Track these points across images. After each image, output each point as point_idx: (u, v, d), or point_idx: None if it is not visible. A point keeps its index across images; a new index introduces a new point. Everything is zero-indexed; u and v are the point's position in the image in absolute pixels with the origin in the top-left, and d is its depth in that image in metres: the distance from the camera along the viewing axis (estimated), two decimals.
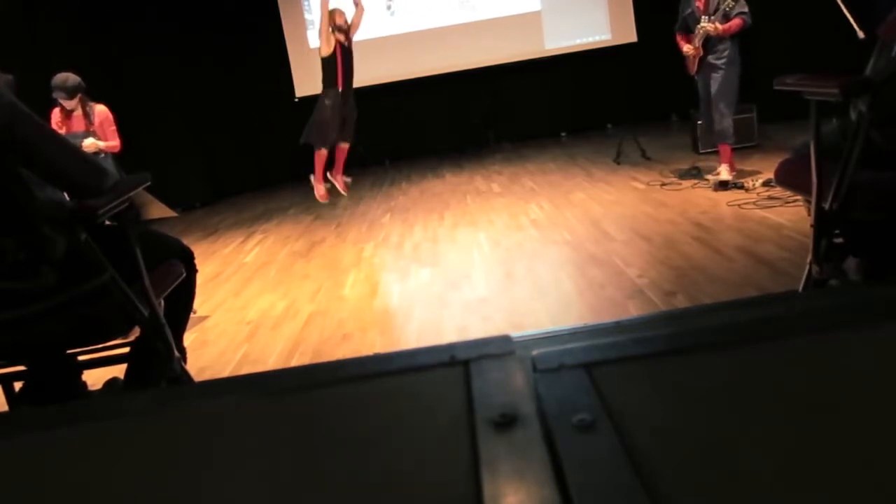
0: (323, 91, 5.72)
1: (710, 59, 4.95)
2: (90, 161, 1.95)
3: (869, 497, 0.41)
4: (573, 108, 9.27)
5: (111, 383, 2.31)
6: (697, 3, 4.92)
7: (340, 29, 5.57)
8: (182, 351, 2.20)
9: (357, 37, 9.35)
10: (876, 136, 1.89)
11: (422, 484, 0.46)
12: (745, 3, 4.78)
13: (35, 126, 1.73)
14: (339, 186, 5.94)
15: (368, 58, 9.05)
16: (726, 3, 4.73)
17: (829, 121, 2.13)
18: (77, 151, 1.96)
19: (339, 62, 5.61)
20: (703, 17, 4.87)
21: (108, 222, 1.92)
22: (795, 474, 0.43)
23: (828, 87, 1.87)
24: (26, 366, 2.00)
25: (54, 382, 2.01)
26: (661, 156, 6.58)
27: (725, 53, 4.90)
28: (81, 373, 2.09)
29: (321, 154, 5.71)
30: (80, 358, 2.08)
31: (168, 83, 7.93)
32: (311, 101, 9.35)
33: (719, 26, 4.77)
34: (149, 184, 2.07)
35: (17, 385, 2.08)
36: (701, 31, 4.88)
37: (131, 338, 2.04)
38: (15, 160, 1.72)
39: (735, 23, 4.77)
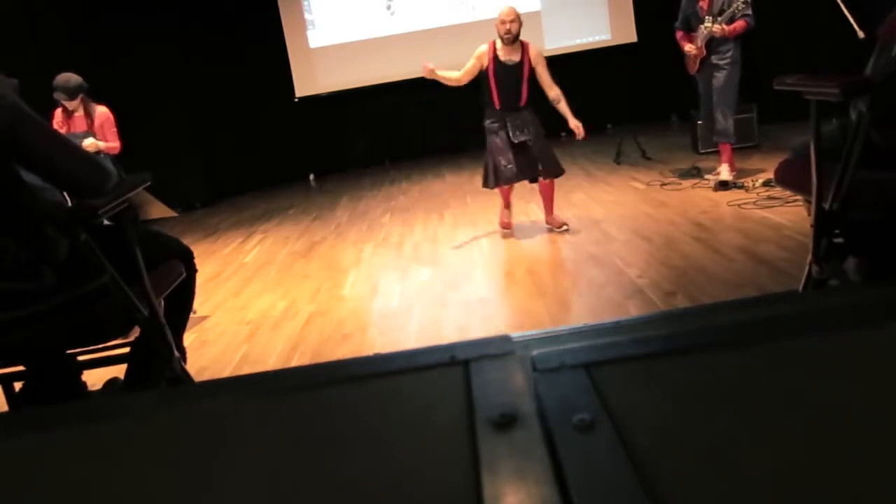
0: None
1: (713, 59, 4.95)
2: (92, 161, 1.95)
3: (869, 497, 0.41)
4: (573, 108, 9.25)
5: (111, 383, 2.31)
6: (701, 4, 4.92)
7: (507, 33, 4.23)
8: (182, 351, 2.20)
9: (357, 37, 9.44)
10: (876, 136, 1.89)
11: (422, 484, 0.46)
12: (749, 5, 4.78)
13: (37, 127, 1.74)
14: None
15: (368, 58, 9.07)
16: (736, 4, 4.72)
17: (829, 121, 2.13)
18: (78, 151, 1.97)
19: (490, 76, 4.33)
20: (706, 17, 4.87)
21: (107, 222, 1.92)
22: (795, 474, 0.43)
23: (828, 87, 1.87)
24: (26, 366, 2.00)
25: (54, 382, 2.01)
26: (661, 156, 6.58)
27: (729, 54, 4.90)
28: (81, 373, 2.09)
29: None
30: (80, 358, 2.09)
31: (168, 83, 7.93)
32: (311, 100, 9.46)
33: (725, 27, 4.77)
34: (149, 184, 2.07)
35: (17, 385, 2.08)
36: (705, 32, 4.88)
37: (131, 338, 2.04)
38: (17, 161, 1.72)
39: (739, 24, 4.77)
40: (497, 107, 4.33)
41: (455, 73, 4.41)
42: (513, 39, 4.22)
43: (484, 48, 4.33)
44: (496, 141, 4.34)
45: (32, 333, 1.80)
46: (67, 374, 2.04)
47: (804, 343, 0.57)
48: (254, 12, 8.76)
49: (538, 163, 4.38)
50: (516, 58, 4.28)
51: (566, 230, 4.54)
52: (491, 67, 4.28)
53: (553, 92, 4.36)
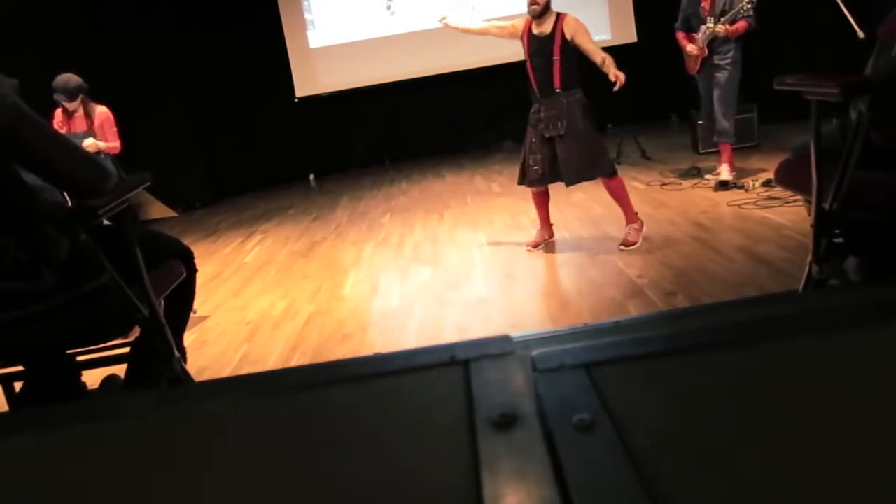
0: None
1: (715, 59, 4.96)
2: (92, 161, 1.95)
3: (869, 497, 0.41)
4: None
5: (109, 380, 2.30)
6: (703, 4, 4.92)
7: (533, 3, 3.81)
8: (182, 351, 2.20)
9: (357, 37, 9.42)
10: (876, 136, 1.89)
11: (422, 484, 0.46)
12: (754, 6, 4.79)
13: (37, 127, 1.74)
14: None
15: (368, 58, 9.07)
16: (741, 4, 4.72)
17: (829, 121, 2.14)
18: (78, 151, 1.97)
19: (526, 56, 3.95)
20: (708, 17, 4.88)
21: (107, 222, 1.92)
22: (795, 474, 0.43)
23: (828, 87, 1.87)
24: (26, 366, 2.00)
25: (54, 382, 2.01)
26: (661, 156, 6.58)
27: (730, 55, 4.92)
28: (81, 373, 2.09)
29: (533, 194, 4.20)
30: (80, 358, 2.09)
31: (168, 83, 7.93)
32: (311, 100, 9.46)
33: (728, 28, 4.78)
34: (149, 184, 2.07)
35: (17, 385, 2.08)
36: (708, 32, 4.89)
37: (131, 338, 2.04)
38: (17, 161, 1.72)
39: (741, 25, 4.78)
40: (536, 92, 3.92)
41: (478, 24, 4.13)
42: (540, 12, 3.78)
43: (524, 20, 3.96)
44: (530, 136, 3.98)
45: (32, 333, 1.80)
46: (67, 374, 2.04)
47: (804, 343, 0.57)
48: (254, 12, 8.76)
49: (566, 163, 3.87)
50: (547, 29, 3.81)
51: (632, 247, 3.95)
52: (525, 42, 3.91)
53: (599, 57, 3.79)
